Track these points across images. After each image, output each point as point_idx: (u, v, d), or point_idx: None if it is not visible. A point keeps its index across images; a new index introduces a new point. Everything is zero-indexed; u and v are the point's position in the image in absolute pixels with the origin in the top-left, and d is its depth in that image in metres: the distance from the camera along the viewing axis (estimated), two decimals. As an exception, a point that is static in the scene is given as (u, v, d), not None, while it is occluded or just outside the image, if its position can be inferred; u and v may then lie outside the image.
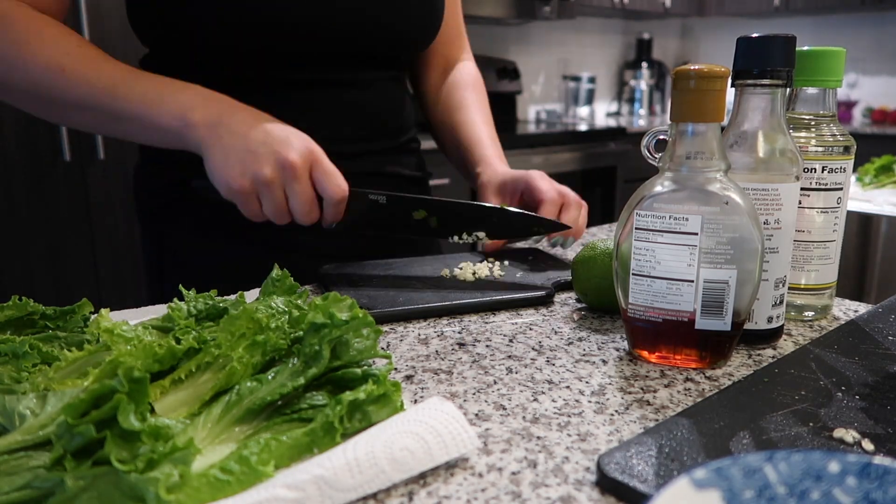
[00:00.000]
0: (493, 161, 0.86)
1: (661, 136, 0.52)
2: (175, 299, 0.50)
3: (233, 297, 0.54)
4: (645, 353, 0.53)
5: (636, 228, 0.50)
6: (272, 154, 0.64)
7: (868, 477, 0.29)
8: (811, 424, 0.42)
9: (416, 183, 0.94)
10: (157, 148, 0.72)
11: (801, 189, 0.57)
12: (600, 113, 3.92)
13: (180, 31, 0.75)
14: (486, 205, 0.74)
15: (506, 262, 0.76)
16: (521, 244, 0.87)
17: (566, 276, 0.71)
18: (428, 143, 0.98)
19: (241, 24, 0.73)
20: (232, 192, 0.66)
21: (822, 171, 0.58)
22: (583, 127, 3.08)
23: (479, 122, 0.92)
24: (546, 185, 0.78)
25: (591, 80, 3.49)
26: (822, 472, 0.29)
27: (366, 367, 0.42)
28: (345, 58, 0.81)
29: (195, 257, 0.83)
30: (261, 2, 0.73)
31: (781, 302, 0.55)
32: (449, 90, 0.95)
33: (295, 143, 0.65)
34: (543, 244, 0.87)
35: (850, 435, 0.40)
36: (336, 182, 0.66)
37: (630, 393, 0.48)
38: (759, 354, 0.54)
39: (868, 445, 0.39)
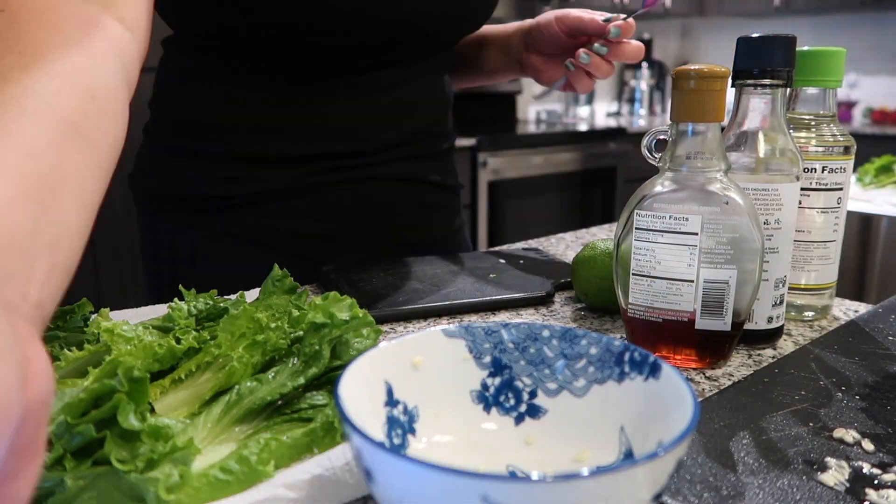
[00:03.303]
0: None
1: (661, 136, 0.52)
2: (175, 299, 0.50)
3: (233, 296, 0.54)
4: (645, 353, 0.53)
5: (636, 228, 0.50)
6: None
7: (565, 339, 0.38)
8: (811, 424, 0.42)
9: (454, 193, 0.90)
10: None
11: (801, 189, 0.57)
12: (600, 113, 3.92)
13: (212, 18, 0.69)
14: None
15: (505, 262, 0.76)
16: (519, 244, 0.87)
17: (566, 276, 0.71)
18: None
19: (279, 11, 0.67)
20: None
21: (822, 171, 0.58)
22: (583, 127, 3.08)
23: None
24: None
25: (591, 80, 3.49)
26: (538, 335, 0.39)
27: (366, 367, 0.42)
28: (395, 46, 0.74)
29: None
30: None
31: (781, 302, 0.55)
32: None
33: None
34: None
35: (850, 435, 0.40)
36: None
37: (630, 393, 0.48)
38: (759, 354, 0.54)
39: (868, 445, 0.39)
